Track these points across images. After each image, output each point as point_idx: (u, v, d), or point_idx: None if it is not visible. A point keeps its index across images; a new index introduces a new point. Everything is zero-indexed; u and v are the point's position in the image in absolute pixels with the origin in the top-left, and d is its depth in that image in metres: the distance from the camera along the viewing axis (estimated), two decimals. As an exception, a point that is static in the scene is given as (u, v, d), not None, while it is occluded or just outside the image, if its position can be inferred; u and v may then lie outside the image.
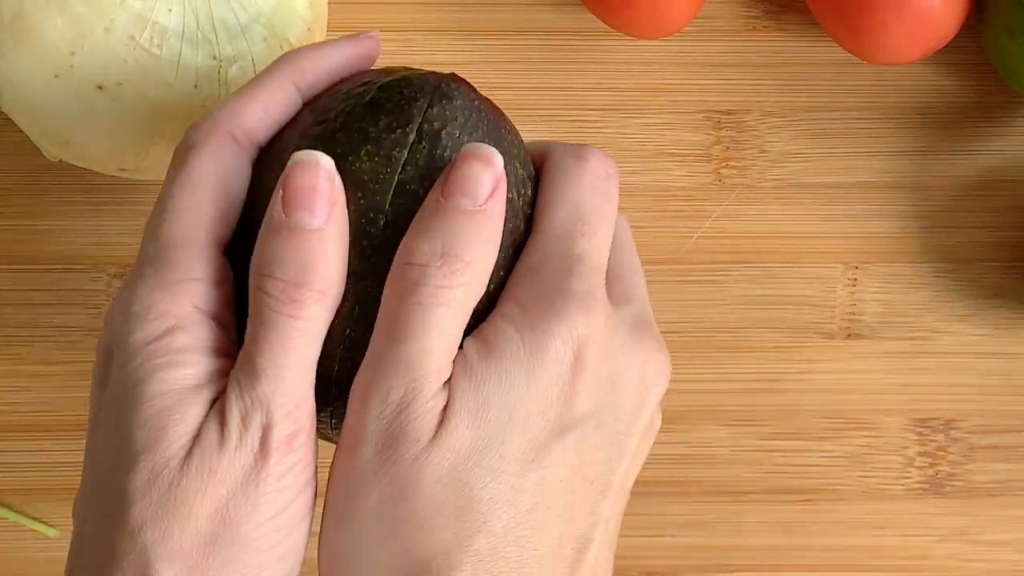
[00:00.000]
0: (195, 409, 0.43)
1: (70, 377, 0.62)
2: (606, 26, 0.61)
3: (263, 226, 0.44)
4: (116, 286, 0.62)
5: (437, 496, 0.42)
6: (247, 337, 0.43)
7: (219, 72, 0.55)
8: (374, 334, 0.44)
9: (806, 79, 0.63)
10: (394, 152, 0.44)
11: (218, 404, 0.43)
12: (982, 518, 0.63)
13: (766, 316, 0.63)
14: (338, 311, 0.44)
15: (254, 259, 0.44)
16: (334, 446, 0.45)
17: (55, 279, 0.62)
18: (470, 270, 0.43)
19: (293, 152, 0.45)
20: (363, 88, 0.46)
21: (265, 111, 0.47)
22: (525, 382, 0.43)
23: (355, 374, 0.44)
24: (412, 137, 0.45)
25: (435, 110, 0.45)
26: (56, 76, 0.54)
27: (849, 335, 0.63)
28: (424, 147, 0.45)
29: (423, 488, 0.42)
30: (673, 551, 0.63)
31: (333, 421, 0.46)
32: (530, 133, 0.62)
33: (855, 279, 0.63)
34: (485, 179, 0.44)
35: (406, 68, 0.47)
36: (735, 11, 0.63)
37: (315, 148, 0.45)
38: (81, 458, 0.59)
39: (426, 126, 0.45)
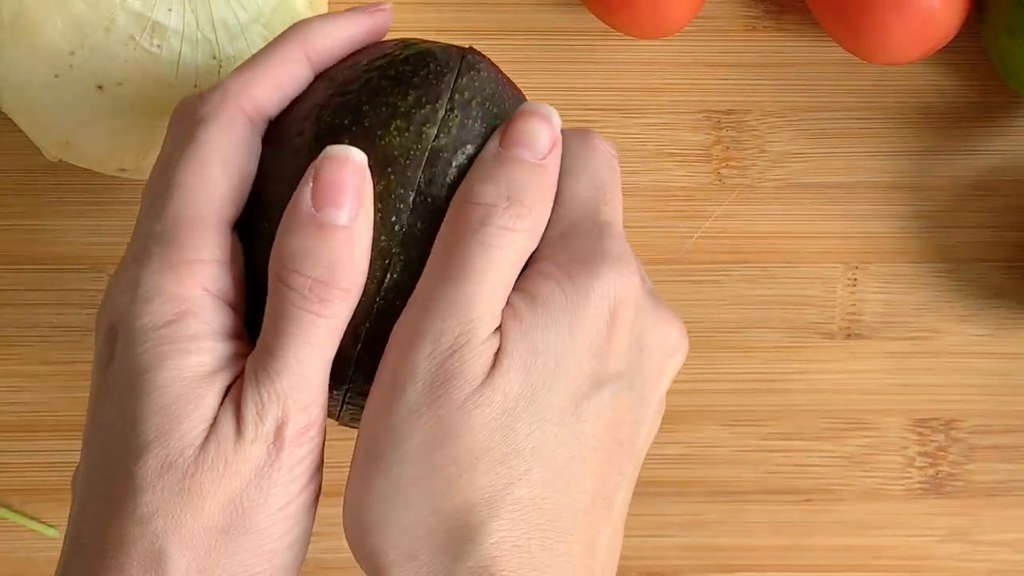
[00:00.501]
0: (209, 398, 0.42)
1: (70, 377, 0.62)
2: (606, 26, 0.61)
3: (287, 216, 0.43)
4: (116, 286, 0.63)
5: (484, 440, 0.42)
6: (266, 329, 0.43)
7: (219, 72, 0.55)
8: (424, 276, 0.43)
9: (806, 79, 0.63)
10: (424, 128, 0.44)
11: (232, 393, 0.43)
12: (982, 518, 0.63)
13: (766, 316, 0.63)
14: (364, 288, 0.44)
15: (276, 249, 0.43)
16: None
17: (55, 279, 0.62)
18: (532, 217, 0.44)
19: (312, 123, 0.45)
20: (385, 60, 0.46)
21: (276, 84, 0.46)
22: (569, 333, 0.43)
23: (381, 347, 0.43)
24: (442, 113, 0.45)
25: (463, 81, 0.45)
26: (56, 76, 0.54)
27: (849, 335, 0.63)
28: (456, 116, 0.45)
29: (470, 430, 0.42)
30: (673, 551, 0.63)
31: (348, 396, 0.46)
32: (530, 133, 0.63)
33: (855, 279, 0.63)
34: (544, 134, 0.45)
35: (421, 40, 0.47)
36: (735, 11, 0.63)
37: (340, 119, 0.44)
38: (81, 458, 0.58)
39: (456, 96, 0.45)
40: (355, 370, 0.45)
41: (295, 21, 0.56)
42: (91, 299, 0.62)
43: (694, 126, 0.63)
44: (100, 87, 0.54)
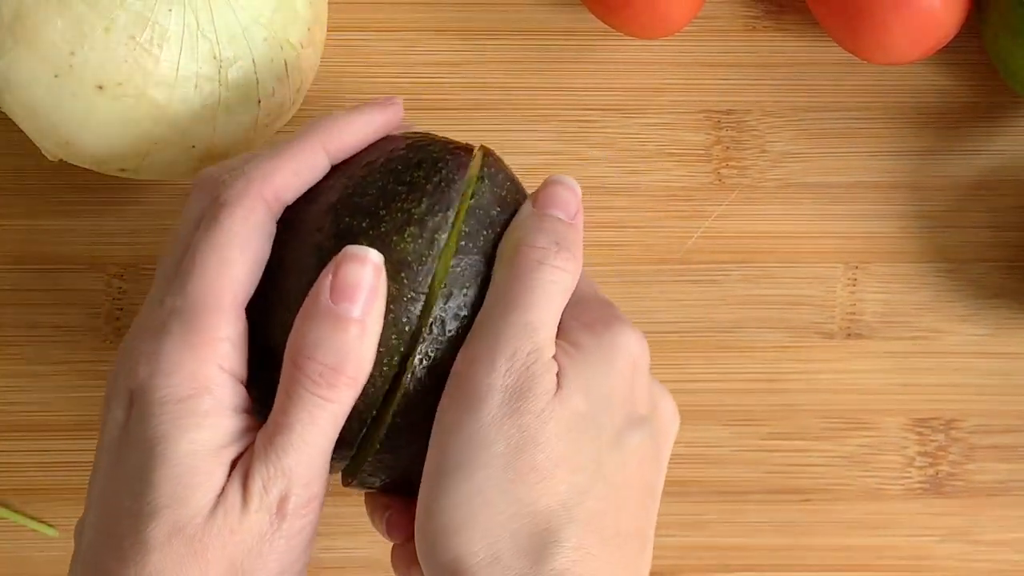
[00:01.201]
0: (219, 470, 0.45)
1: (70, 377, 0.62)
2: (606, 26, 0.61)
3: (307, 306, 0.46)
4: (116, 286, 0.62)
5: (560, 449, 0.46)
6: (277, 409, 0.46)
7: (219, 72, 0.55)
8: (486, 309, 0.48)
9: (806, 79, 0.63)
10: (437, 234, 0.48)
11: (241, 466, 0.45)
12: (982, 518, 0.63)
13: (766, 316, 0.63)
14: (371, 382, 0.47)
15: (294, 337, 0.46)
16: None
17: (55, 279, 0.62)
18: (576, 263, 0.49)
19: (331, 221, 0.48)
20: (400, 164, 0.49)
21: (296, 173, 0.49)
22: (606, 375, 0.48)
23: (409, 422, 0.47)
24: (452, 219, 0.48)
25: (474, 185, 0.49)
26: (56, 76, 0.54)
27: (849, 335, 0.63)
28: (466, 220, 0.48)
29: (547, 439, 0.46)
30: (673, 551, 0.63)
31: (370, 462, 0.48)
32: (530, 133, 0.63)
33: (855, 279, 0.63)
34: (572, 200, 0.50)
35: (429, 138, 0.50)
36: (735, 11, 0.63)
37: (358, 221, 0.47)
38: (80, 458, 0.59)
39: (466, 203, 0.48)
40: (386, 442, 0.48)
41: (295, 21, 0.56)
42: (91, 299, 0.62)
43: (694, 126, 0.63)
44: (100, 87, 0.54)
